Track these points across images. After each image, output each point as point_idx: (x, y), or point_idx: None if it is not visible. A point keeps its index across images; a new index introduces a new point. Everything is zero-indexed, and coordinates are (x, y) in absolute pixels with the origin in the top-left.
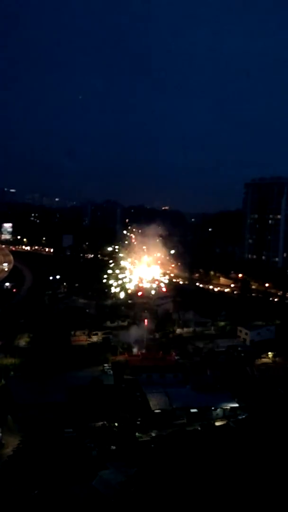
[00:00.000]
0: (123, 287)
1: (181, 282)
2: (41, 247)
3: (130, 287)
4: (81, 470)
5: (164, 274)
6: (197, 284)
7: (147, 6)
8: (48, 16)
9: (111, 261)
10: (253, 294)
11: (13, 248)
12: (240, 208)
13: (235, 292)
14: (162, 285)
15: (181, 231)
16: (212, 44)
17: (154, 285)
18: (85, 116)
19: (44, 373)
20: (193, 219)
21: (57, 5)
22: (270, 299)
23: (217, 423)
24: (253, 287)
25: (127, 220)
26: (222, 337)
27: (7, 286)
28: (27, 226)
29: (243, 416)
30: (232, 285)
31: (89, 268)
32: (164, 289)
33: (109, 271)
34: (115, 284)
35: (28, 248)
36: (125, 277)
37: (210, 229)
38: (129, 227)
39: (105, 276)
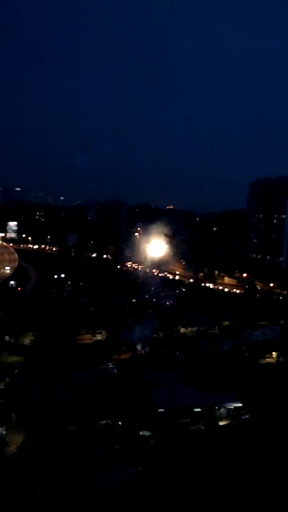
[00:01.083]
0: (127, 286)
1: (185, 281)
2: (46, 246)
3: (135, 285)
4: (85, 468)
5: (169, 273)
6: (202, 283)
7: (153, 6)
8: (55, 18)
9: (115, 260)
10: (257, 294)
11: (18, 246)
12: (244, 207)
13: (239, 292)
14: (167, 284)
15: (185, 230)
16: (216, 44)
17: (159, 284)
18: (91, 116)
19: (49, 371)
20: (197, 218)
21: (66, 8)
22: (274, 298)
23: (221, 423)
24: (258, 286)
25: (131, 219)
26: (226, 337)
27: (12, 285)
28: (32, 224)
29: (247, 416)
30: (237, 285)
31: (94, 267)
32: (168, 288)
33: (113, 270)
34: (119, 283)
35: (33, 246)
36: (130, 276)
37: (214, 229)
38: (133, 226)
39: (110, 275)
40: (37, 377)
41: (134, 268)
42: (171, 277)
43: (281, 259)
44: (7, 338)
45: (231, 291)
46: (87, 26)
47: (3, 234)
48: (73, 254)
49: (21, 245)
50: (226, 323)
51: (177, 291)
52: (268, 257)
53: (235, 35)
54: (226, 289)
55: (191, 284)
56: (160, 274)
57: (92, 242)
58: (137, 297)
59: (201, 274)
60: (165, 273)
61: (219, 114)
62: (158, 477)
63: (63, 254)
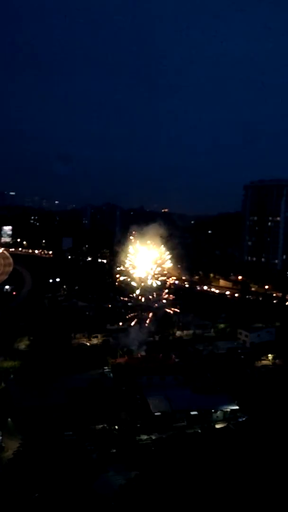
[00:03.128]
0: (122, 290)
1: (181, 284)
2: (41, 250)
3: (130, 289)
4: (82, 473)
5: (164, 277)
6: (197, 286)
7: (149, 7)
8: (49, 18)
9: (110, 264)
10: (252, 296)
11: (13, 251)
12: (239, 210)
13: (235, 295)
14: (162, 287)
15: (180, 233)
16: (211, 46)
17: (154, 288)
18: (85, 120)
19: (44, 376)
20: (192, 221)
21: (60, 8)
22: (270, 301)
23: (217, 426)
24: (253, 289)
25: (126, 223)
26: (222, 339)
27: (6, 289)
28: (26, 229)
29: (243, 419)
30: (232, 287)
31: (89, 271)
32: (164, 292)
33: (108, 274)
34: (114, 286)
35: (28, 250)
36: (125, 279)
37: (209, 231)
38: (128, 230)
39: (105, 279)
40: (32, 382)
41: (129, 271)
42: (166, 280)
43: (276, 261)
44: None
45: (227, 294)
46: (82, 25)
47: None
48: (68, 258)
49: (16, 250)
50: (222, 325)
51: (172, 294)
52: (263, 259)
53: (231, 37)
54: (221, 292)
55: (186, 287)
56: (155, 277)
57: (87, 246)
58: (132, 300)
59: (197, 277)
60: (161, 276)
61: (214, 117)
62: (155, 480)
63: (58, 258)
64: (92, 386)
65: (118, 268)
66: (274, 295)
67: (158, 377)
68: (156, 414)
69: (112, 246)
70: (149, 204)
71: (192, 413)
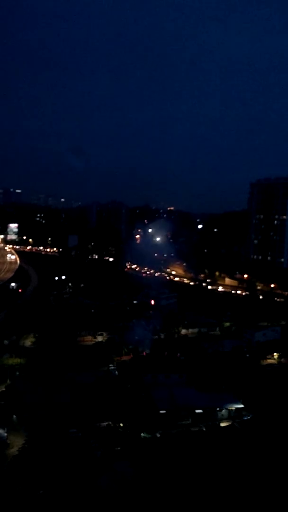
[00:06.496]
0: (128, 287)
1: (186, 282)
2: (46, 247)
3: (135, 287)
4: (86, 470)
5: (170, 274)
6: (203, 284)
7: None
8: (52, 15)
9: (116, 262)
10: (258, 295)
11: (20, 248)
12: (245, 208)
13: (240, 293)
14: (167, 285)
15: (186, 231)
16: (215, 44)
17: (159, 285)
18: (90, 118)
19: (50, 373)
20: (198, 219)
21: (64, 5)
22: (276, 299)
23: (222, 424)
24: (259, 287)
25: (132, 221)
26: (227, 338)
27: (13, 287)
28: (32, 226)
29: (248, 417)
30: (238, 286)
31: (95, 268)
32: (169, 289)
33: (114, 272)
34: (120, 284)
35: (33, 248)
36: (130, 277)
37: (215, 230)
38: (134, 228)
39: (110, 276)
40: (38, 379)
41: (135, 269)
42: (172, 278)
43: (282, 260)
44: (6, 342)
45: (232, 292)
46: (86, 26)
47: (3, 236)
48: (73, 256)
49: (22, 247)
50: (227, 324)
51: (178, 292)
52: (269, 258)
53: (234, 35)
54: (227, 290)
55: (192, 285)
56: (161, 275)
57: (92, 243)
58: (138, 298)
59: (202, 275)
60: (166, 274)
61: (220, 115)
62: (160, 478)
63: (64, 256)
64: (97, 384)
65: (124, 266)
66: (278, 293)
67: (163, 375)
68: (161, 412)
69: (118, 243)
70: (155, 202)
71: (197, 411)
